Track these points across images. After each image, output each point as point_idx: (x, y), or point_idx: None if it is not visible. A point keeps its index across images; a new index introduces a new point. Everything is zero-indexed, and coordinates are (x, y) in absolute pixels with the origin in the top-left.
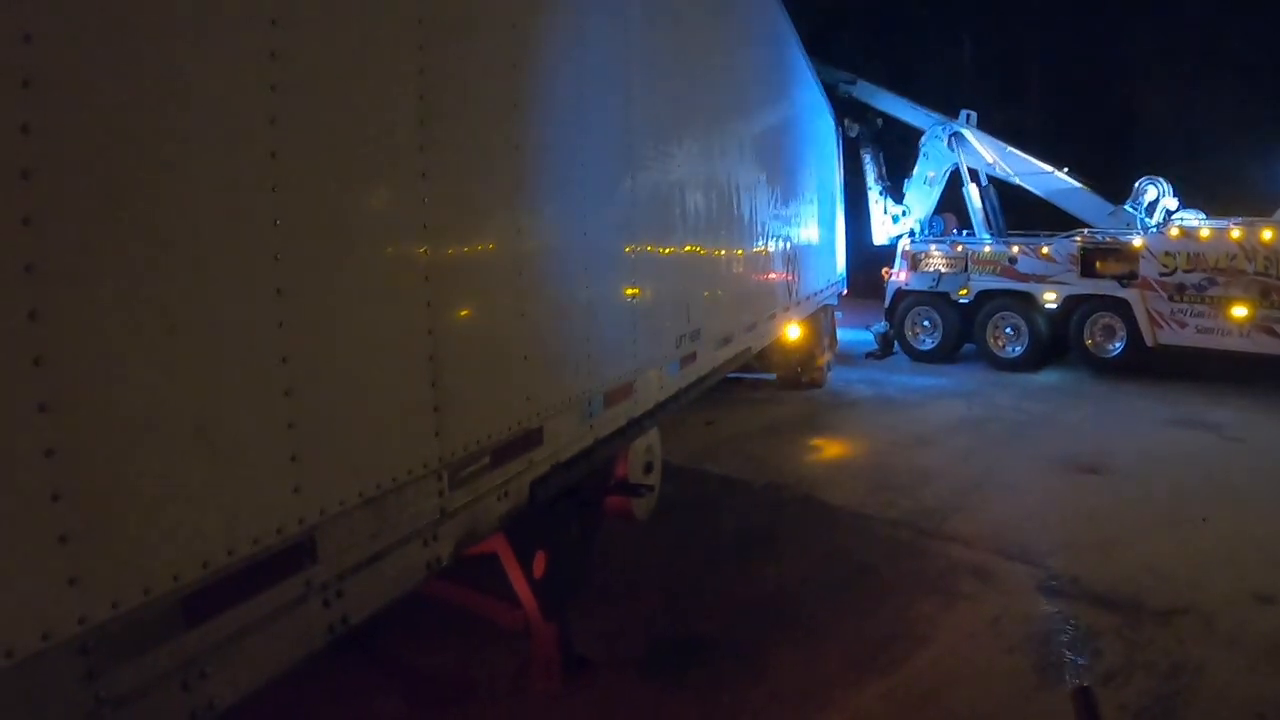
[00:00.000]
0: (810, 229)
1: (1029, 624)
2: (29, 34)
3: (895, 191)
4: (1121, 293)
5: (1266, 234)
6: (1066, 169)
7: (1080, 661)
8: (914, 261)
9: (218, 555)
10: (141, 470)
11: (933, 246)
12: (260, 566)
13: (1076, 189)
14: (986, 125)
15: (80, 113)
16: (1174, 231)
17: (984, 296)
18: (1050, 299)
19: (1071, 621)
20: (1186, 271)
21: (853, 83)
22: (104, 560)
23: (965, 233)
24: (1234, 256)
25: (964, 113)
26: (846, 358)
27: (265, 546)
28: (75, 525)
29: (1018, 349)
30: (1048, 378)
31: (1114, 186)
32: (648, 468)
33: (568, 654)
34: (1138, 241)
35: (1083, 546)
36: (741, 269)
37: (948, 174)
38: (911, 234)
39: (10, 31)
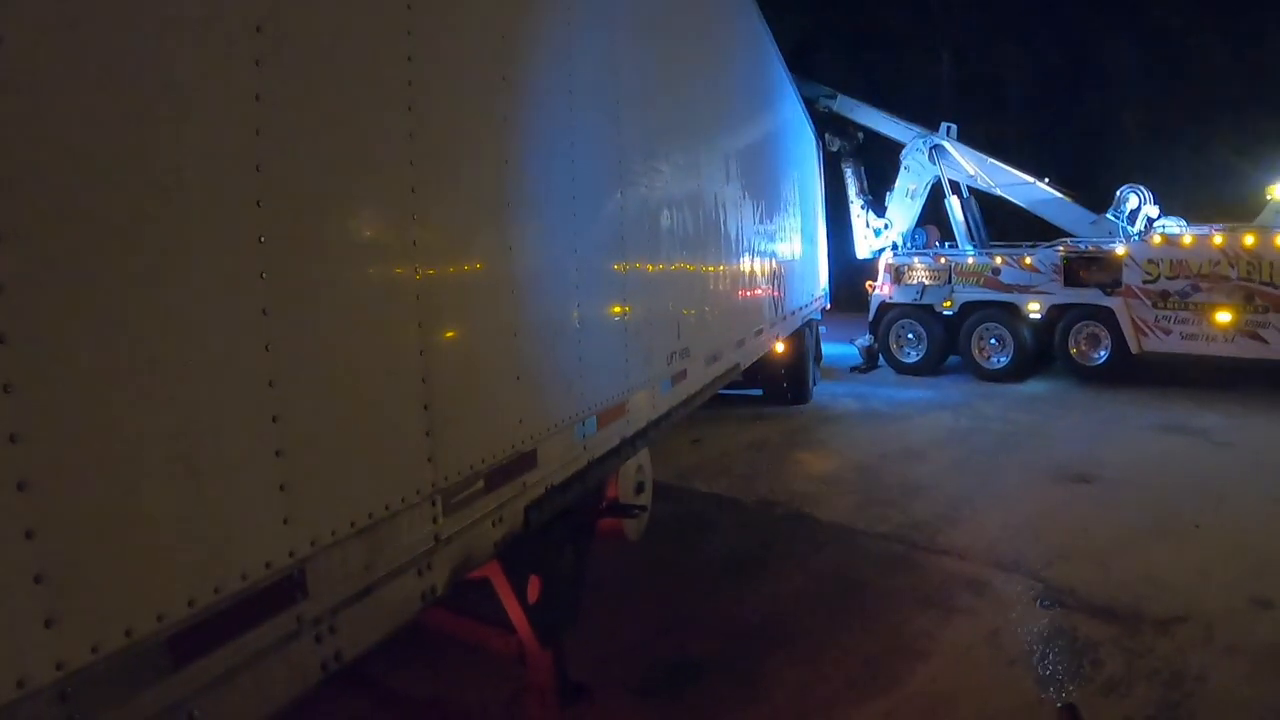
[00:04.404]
0: (794, 244)
1: (1028, 636)
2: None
3: (877, 205)
4: (1105, 301)
5: (1248, 239)
6: (1047, 179)
7: (1081, 673)
8: (897, 274)
9: (204, 592)
10: (122, 504)
11: (916, 259)
12: (249, 602)
13: (1058, 199)
14: (967, 137)
15: (50, 131)
16: (1156, 239)
17: (968, 308)
18: (1034, 309)
19: (1070, 633)
20: (1170, 279)
21: (833, 97)
22: (83, 600)
23: (948, 245)
24: (1217, 262)
25: (944, 125)
26: (831, 372)
27: (254, 581)
28: (52, 564)
29: (1003, 359)
30: (1034, 388)
31: (1095, 195)
32: (639, 488)
33: (563, 680)
34: (1120, 250)
35: (1078, 556)
36: (729, 285)
37: (929, 187)
38: (894, 247)
39: None
